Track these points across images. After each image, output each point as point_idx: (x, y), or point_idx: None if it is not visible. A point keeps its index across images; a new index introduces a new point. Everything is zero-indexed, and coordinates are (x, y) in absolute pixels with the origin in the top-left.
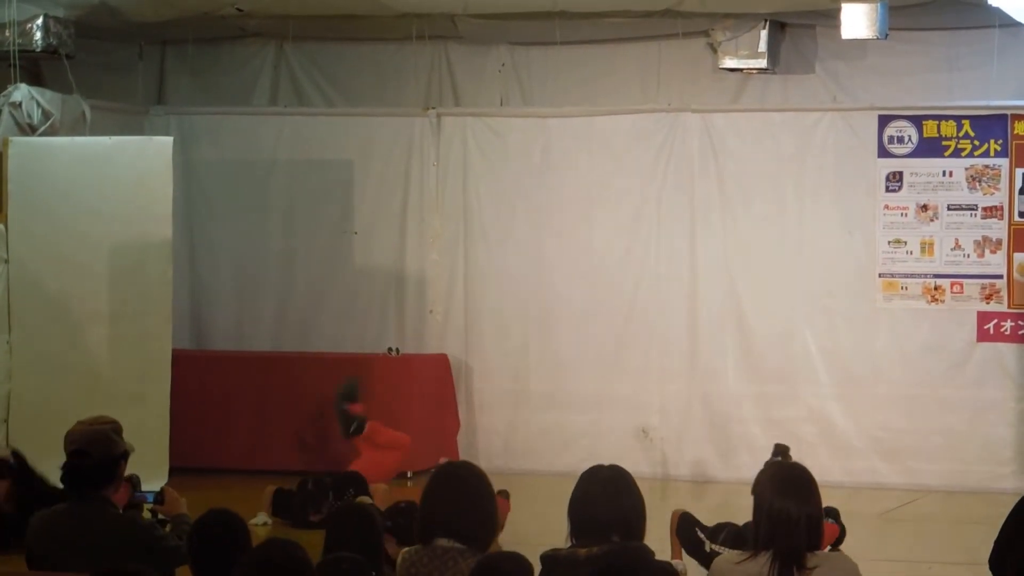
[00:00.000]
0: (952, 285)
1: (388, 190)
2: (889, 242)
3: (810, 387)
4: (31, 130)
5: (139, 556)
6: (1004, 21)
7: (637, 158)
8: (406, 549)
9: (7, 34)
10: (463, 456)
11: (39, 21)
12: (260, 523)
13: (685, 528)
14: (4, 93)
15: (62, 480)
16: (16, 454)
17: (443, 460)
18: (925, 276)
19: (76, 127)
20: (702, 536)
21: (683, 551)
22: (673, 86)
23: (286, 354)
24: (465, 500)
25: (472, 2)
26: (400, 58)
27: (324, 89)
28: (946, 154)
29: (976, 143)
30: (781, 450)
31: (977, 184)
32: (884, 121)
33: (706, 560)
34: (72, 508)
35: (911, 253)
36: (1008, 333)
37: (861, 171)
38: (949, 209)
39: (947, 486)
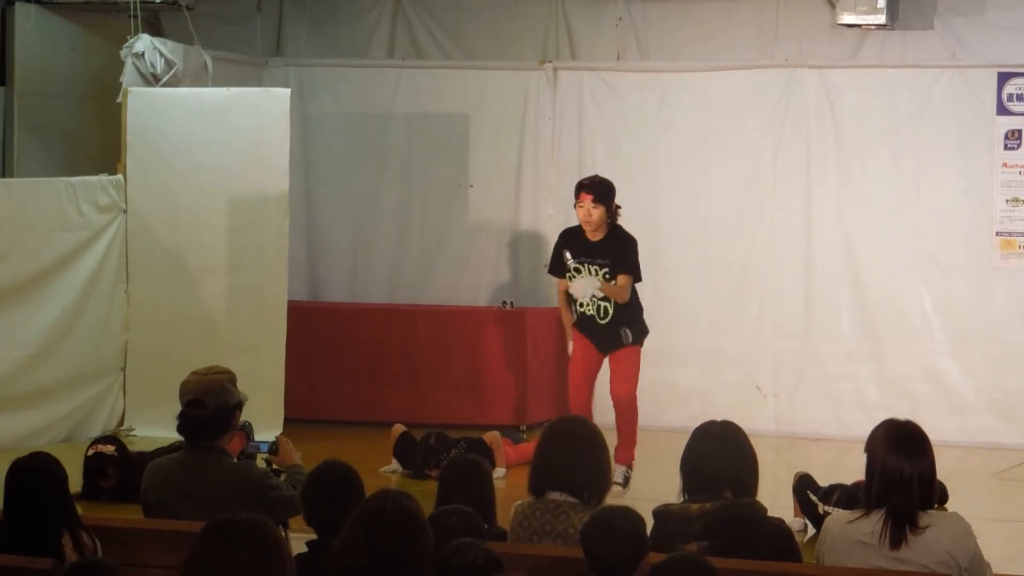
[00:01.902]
0: None
1: (504, 144)
2: (1007, 200)
3: (925, 345)
4: (154, 80)
5: (253, 504)
6: None
7: (754, 114)
8: (519, 502)
9: None
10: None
11: None
12: (390, 471)
13: (800, 490)
14: (127, 44)
15: (178, 430)
16: (117, 441)
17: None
18: None
19: (198, 78)
20: (814, 499)
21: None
22: (791, 42)
23: (401, 306)
24: (578, 455)
25: None
26: (517, 11)
27: (441, 42)
28: None
29: None
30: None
31: None
32: (1003, 78)
33: (819, 523)
34: (187, 456)
35: None
36: None
37: (979, 129)
38: None
39: None
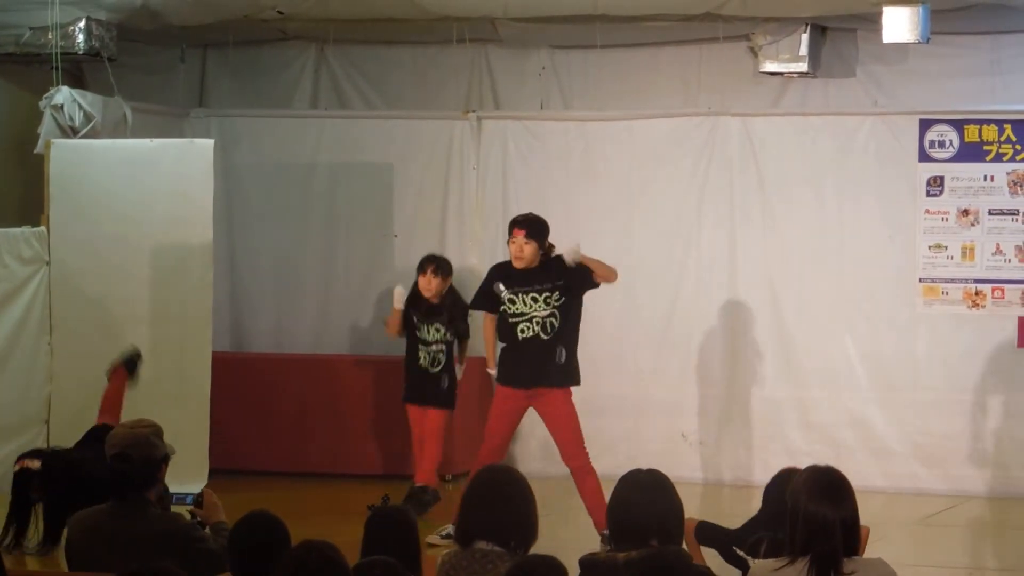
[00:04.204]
0: (993, 290)
1: (428, 193)
2: (930, 247)
3: (850, 392)
4: (73, 132)
5: (178, 556)
6: None
7: (677, 162)
8: (445, 552)
9: (49, 36)
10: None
11: (81, 24)
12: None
13: (708, 534)
14: (46, 96)
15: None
16: (42, 454)
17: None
18: (966, 281)
19: (117, 129)
20: (742, 554)
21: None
22: (714, 90)
23: (326, 356)
24: (504, 504)
25: (512, 5)
26: (440, 61)
27: (365, 92)
28: (987, 159)
29: (1018, 147)
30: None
31: (1018, 189)
32: (925, 125)
33: (738, 562)
34: (113, 507)
35: (952, 258)
36: None
37: (902, 175)
38: (990, 214)
39: (987, 492)
